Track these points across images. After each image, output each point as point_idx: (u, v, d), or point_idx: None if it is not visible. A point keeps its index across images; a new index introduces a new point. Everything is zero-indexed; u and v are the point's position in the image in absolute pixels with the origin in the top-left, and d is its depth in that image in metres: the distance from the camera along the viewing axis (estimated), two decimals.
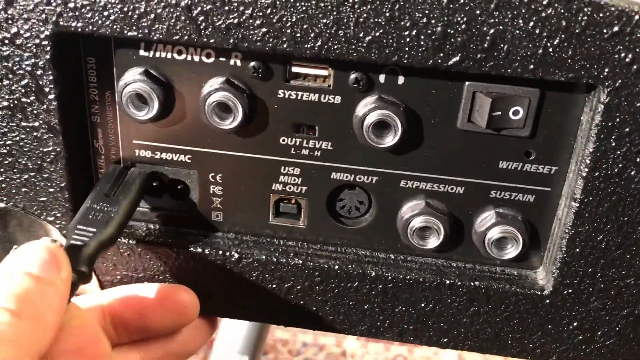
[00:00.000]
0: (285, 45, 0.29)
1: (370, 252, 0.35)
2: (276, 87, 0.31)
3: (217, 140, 0.33)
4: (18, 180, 0.34)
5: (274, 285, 0.35)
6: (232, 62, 0.31)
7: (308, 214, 0.35)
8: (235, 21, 0.28)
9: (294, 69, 0.31)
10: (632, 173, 0.29)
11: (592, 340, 0.34)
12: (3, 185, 0.34)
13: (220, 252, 0.34)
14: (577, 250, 0.31)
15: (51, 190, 0.34)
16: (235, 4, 0.28)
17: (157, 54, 0.32)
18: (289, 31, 0.28)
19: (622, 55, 0.27)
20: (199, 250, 0.35)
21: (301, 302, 0.35)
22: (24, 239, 0.35)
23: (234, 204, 0.35)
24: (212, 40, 0.29)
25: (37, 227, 0.35)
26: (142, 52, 0.32)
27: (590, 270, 0.32)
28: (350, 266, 0.34)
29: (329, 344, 1.80)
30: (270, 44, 0.29)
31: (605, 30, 0.27)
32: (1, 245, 0.36)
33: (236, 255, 0.34)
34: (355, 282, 0.34)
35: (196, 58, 0.31)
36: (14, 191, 0.34)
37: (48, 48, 0.30)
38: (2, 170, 0.33)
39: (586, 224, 0.30)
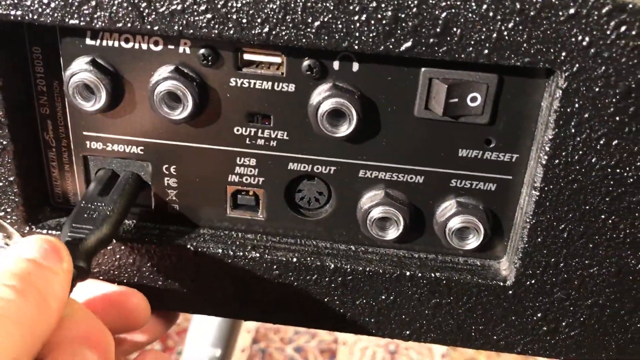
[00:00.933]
0: (232, 32, 0.28)
1: (330, 244, 0.34)
2: (228, 75, 0.30)
3: (170, 131, 0.32)
4: None
5: (232, 280, 0.34)
6: (180, 49, 0.30)
7: (266, 205, 0.34)
8: (179, 7, 0.27)
9: (246, 56, 0.30)
10: (593, 160, 0.28)
11: (557, 332, 0.33)
12: None
13: (176, 246, 0.34)
14: (539, 239, 0.30)
15: (0, 184, 0.33)
16: None
17: (104, 43, 0.30)
18: (234, 17, 0.27)
19: (579, 38, 0.26)
20: (155, 244, 0.34)
21: (260, 296, 0.34)
22: None
23: (190, 196, 0.34)
24: (156, 28, 0.28)
25: None
26: (88, 41, 0.31)
27: (552, 260, 0.31)
28: (309, 258, 0.33)
29: (321, 332, 1.80)
30: (216, 31, 0.28)
31: (560, 13, 0.26)
32: None
33: (192, 249, 0.33)
34: (315, 275, 0.33)
35: (144, 46, 0.30)
36: None
37: None
38: None
39: (547, 213, 0.30)
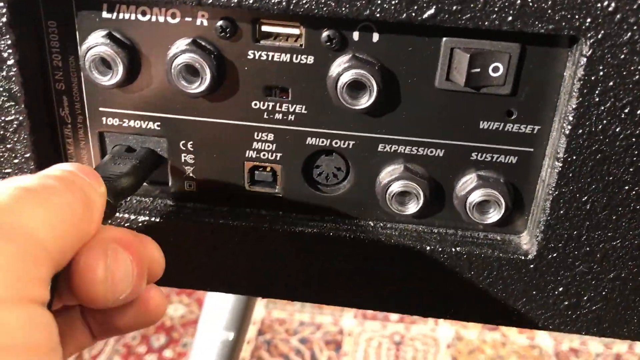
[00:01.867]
0: (251, 1, 0.27)
1: (349, 220, 0.34)
2: (246, 47, 0.30)
3: (187, 106, 0.32)
4: None
5: (250, 256, 0.34)
6: (198, 22, 0.30)
7: (284, 181, 0.34)
8: None
9: (264, 28, 0.30)
10: (617, 130, 0.28)
11: (579, 306, 0.33)
12: None
13: (194, 223, 0.33)
14: (562, 212, 0.30)
15: (16, 161, 0.32)
16: None
17: (121, 16, 0.30)
18: None
19: (605, 3, 0.26)
20: (172, 221, 0.33)
21: (279, 272, 0.34)
22: None
23: (207, 172, 0.34)
24: None
25: None
26: (104, 14, 0.30)
27: (575, 232, 0.31)
28: (328, 233, 0.33)
29: (325, 323, 1.81)
30: (235, 1, 0.27)
31: None
32: None
33: (210, 226, 0.33)
34: (333, 251, 0.33)
35: (161, 19, 0.30)
36: None
37: (4, 11, 0.29)
38: None
39: (570, 185, 0.29)
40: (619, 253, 0.31)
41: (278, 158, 0.33)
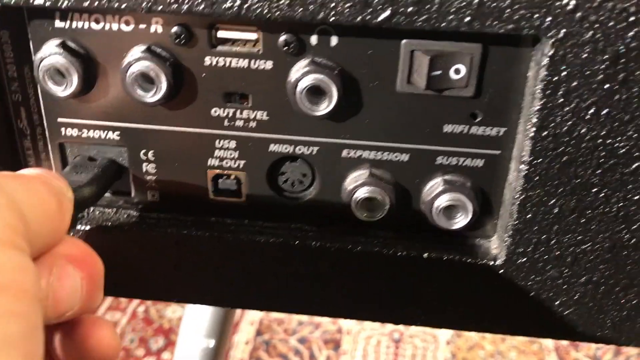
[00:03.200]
0: (202, 6, 0.27)
1: (315, 227, 0.33)
2: (202, 53, 0.29)
3: (145, 115, 0.32)
4: None
5: (216, 266, 0.33)
6: (152, 28, 0.29)
7: (248, 189, 0.33)
8: None
9: (220, 34, 0.29)
10: (583, 131, 0.27)
11: (551, 312, 0.32)
12: None
13: (158, 233, 0.33)
14: (529, 216, 0.29)
15: None
16: None
17: (74, 25, 0.30)
18: None
19: (564, 1, 0.25)
20: (137, 232, 0.33)
21: (245, 281, 0.33)
22: None
23: (170, 182, 0.33)
24: (124, 5, 0.27)
25: None
26: (57, 23, 0.30)
27: (544, 236, 0.30)
28: (293, 242, 0.32)
29: (324, 322, 1.80)
30: (186, 5, 0.27)
31: None
32: None
33: (174, 236, 0.33)
34: (300, 258, 0.32)
35: (115, 26, 0.29)
36: None
37: None
38: None
39: (537, 188, 0.29)
40: (589, 256, 0.30)
41: (241, 166, 0.32)
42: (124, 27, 0.29)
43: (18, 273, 0.20)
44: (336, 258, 0.32)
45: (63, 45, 0.30)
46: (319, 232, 0.33)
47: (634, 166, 0.28)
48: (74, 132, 0.32)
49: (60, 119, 0.32)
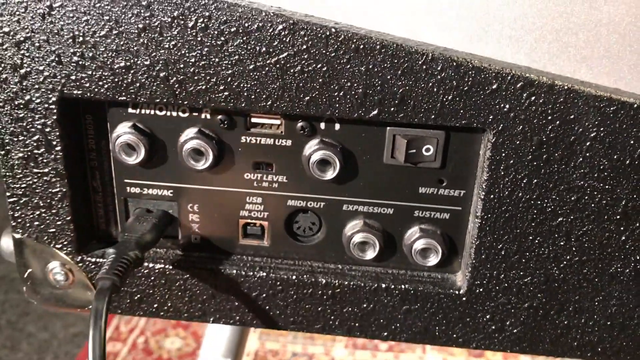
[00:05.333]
0: (243, 105, 0.36)
1: (322, 264, 0.43)
2: (239, 134, 0.39)
3: (193, 178, 0.41)
4: (32, 216, 0.41)
5: (246, 295, 0.42)
6: (203, 116, 0.39)
7: (270, 234, 0.43)
8: (203, 87, 0.36)
9: (253, 120, 0.39)
10: (520, 194, 0.37)
11: (503, 330, 0.41)
12: (19, 220, 0.41)
13: (198, 268, 0.42)
14: (483, 257, 0.39)
15: (59, 223, 0.41)
16: (203, 75, 0.36)
17: (143, 111, 0.39)
18: (245, 94, 0.36)
19: (501, 105, 0.35)
20: (181, 267, 0.42)
21: (267, 307, 0.43)
22: (37, 263, 0.43)
23: (209, 228, 0.43)
24: (185, 102, 0.37)
25: (47, 254, 0.43)
26: (130, 110, 0.39)
27: (495, 272, 0.39)
28: (305, 276, 0.42)
29: (317, 353, 1.87)
30: (232, 104, 0.36)
31: (486, 88, 0.35)
32: (18, 269, 0.43)
33: (211, 271, 0.42)
34: (310, 289, 0.42)
35: (174, 114, 0.39)
36: (28, 225, 0.42)
37: (54, 110, 0.38)
38: (18, 208, 0.41)
39: (488, 236, 0.38)
40: (529, 287, 0.40)
41: (265, 216, 0.42)
42: (181, 114, 0.39)
43: None
44: (337, 289, 0.42)
45: (134, 127, 0.39)
46: (324, 268, 0.43)
47: (558, 220, 0.38)
48: (136, 190, 0.42)
49: (126, 180, 0.42)
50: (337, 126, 0.38)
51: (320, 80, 0.35)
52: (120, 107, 0.39)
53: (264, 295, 0.42)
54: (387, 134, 0.38)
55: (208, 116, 0.39)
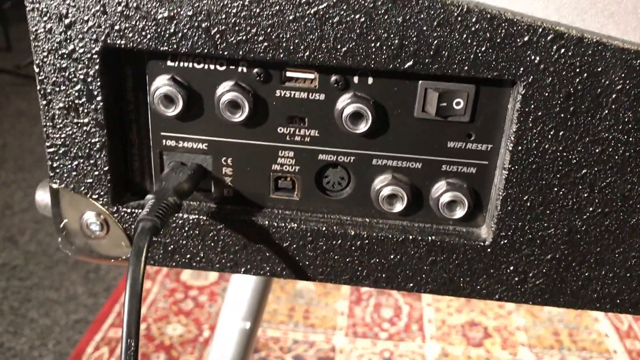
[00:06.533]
0: (281, 56, 0.38)
1: (350, 217, 0.44)
2: (274, 88, 0.41)
3: (228, 131, 0.42)
4: (69, 166, 0.42)
5: (276, 245, 0.44)
6: (239, 69, 0.40)
7: (301, 188, 0.44)
8: (243, 38, 0.37)
9: (288, 74, 0.40)
10: (546, 146, 0.38)
11: (525, 281, 0.43)
12: (57, 171, 0.43)
13: (231, 220, 0.43)
14: (509, 209, 0.40)
15: (96, 173, 0.42)
16: (243, 25, 0.37)
17: (181, 64, 0.41)
18: (284, 45, 0.37)
19: (532, 57, 0.36)
20: (214, 219, 0.43)
21: (296, 258, 0.44)
22: (72, 214, 0.44)
23: (242, 182, 0.44)
24: (225, 53, 0.38)
25: (83, 204, 0.44)
26: (169, 63, 0.41)
27: (519, 224, 0.41)
28: (334, 227, 0.43)
29: (318, 341, 1.88)
30: (270, 55, 0.38)
31: (518, 40, 0.36)
32: (54, 219, 0.44)
33: (243, 223, 0.43)
34: (339, 240, 0.43)
35: (212, 67, 0.40)
36: (65, 175, 0.43)
37: (97, 60, 0.39)
38: (57, 158, 0.42)
39: (514, 187, 0.40)
40: (552, 239, 0.41)
41: (296, 170, 0.43)
42: (218, 67, 0.40)
43: None
44: (366, 241, 0.43)
45: (172, 79, 0.41)
46: (353, 221, 0.44)
47: (582, 172, 0.39)
48: (172, 143, 0.43)
49: (162, 133, 0.43)
50: (370, 80, 0.40)
51: (358, 31, 0.37)
52: (159, 60, 0.41)
53: (294, 246, 0.44)
54: (419, 88, 0.39)
55: (244, 69, 0.40)
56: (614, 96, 0.37)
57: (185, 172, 0.42)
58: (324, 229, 0.43)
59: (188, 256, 0.45)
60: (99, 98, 0.40)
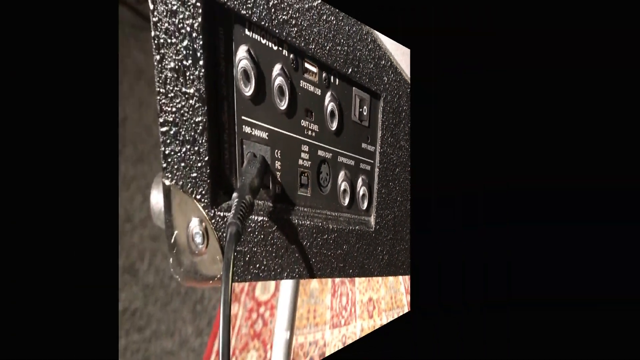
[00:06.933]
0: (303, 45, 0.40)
1: (328, 212, 0.45)
2: (299, 77, 0.40)
3: (277, 120, 0.38)
4: (179, 154, 0.29)
5: (300, 245, 0.40)
6: (284, 52, 0.38)
7: (310, 184, 0.42)
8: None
9: (306, 65, 0.41)
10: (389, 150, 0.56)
11: (395, 256, 0.56)
12: (169, 160, 0.28)
13: (282, 220, 0.38)
14: (379, 200, 0.54)
15: (199, 165, 0.31)
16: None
17: (254, 35, 0.35)
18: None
19: (391, 77, 0.54)
20: (273, 220, 0.37)
21: (309, 255, 0.41)
22: (182, 222, 0.28)
23: (285, 178, 0.39)
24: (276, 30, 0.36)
25: (189, 208, 0.29)
26: (246, 32, 0.35)
27: (382, 212, 0.54)
28: (324, 222, 0.43)
29: None
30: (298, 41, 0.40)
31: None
32: (166, 232, 0.26)
33: (288, 223, 0.39)
34: (325, 235, 0.43)
35: (269, 44, 0.36)
36: (176, 166, 0.29)
37: (200, 11, 0.31)
38: (169, 141, 0.28)
39: (379, 184, 0.54)
40: (389, 223, 0.57)
41: (309, 165, 0.42)
42: (273, 46, 0.37)
43: None
44: (336, 234, 0.45)
45: (249, 52, 0.34)
46: (331, 216, 0.44)
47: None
48: (248, 129, 0.34)
49: (243, 117, 0.33)
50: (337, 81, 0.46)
51: None
52: (241, 25, 0.35)
53: (308, 244, 0.41)
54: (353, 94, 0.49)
55: (286, 53, 0.38)
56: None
57: (254, 166, 0.35)
58: (319, 224, 0.43)
59: (261, 266, 0.35)
60: (201, 62, 0.31)
